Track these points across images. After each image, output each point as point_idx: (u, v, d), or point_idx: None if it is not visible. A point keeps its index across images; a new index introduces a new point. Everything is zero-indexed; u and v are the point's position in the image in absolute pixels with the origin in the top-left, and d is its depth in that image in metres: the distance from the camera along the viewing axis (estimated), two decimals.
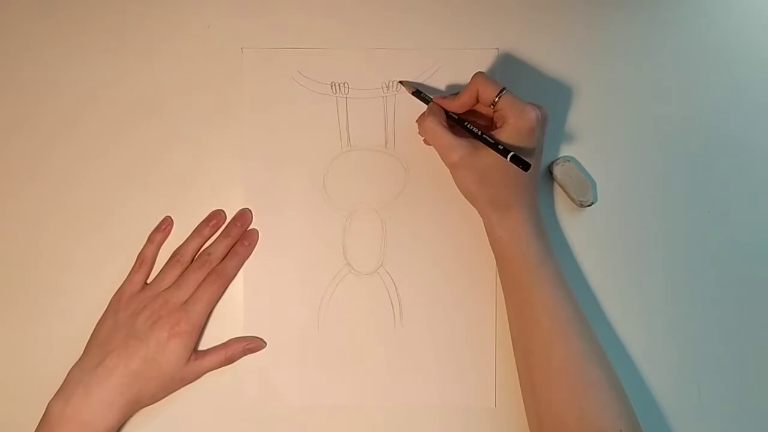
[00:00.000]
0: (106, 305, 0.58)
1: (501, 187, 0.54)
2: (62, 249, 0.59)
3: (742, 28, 0.61)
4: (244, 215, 0.59)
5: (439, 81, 0.60)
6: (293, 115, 0.60)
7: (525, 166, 0.50)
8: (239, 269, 0.59)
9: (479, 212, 0.56)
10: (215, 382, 0.58)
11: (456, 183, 0.55)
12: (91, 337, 0.57)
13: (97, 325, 0.57)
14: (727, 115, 0.60)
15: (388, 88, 0.60)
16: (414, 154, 0.60)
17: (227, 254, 0.59)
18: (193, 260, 0.58)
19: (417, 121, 0.56)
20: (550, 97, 0.60)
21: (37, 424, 0.54)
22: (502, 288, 0.56)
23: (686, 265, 0.59)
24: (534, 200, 0.55)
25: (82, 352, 0.56)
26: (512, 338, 0.56)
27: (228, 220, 0.59)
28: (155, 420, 0.58)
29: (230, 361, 0.58)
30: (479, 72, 0.54)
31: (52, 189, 0.59)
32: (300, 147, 0.60)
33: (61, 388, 0.54)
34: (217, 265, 0.58)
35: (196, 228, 0.59)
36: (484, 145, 0.52)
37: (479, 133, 0.53)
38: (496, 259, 0.56)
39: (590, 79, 0.60)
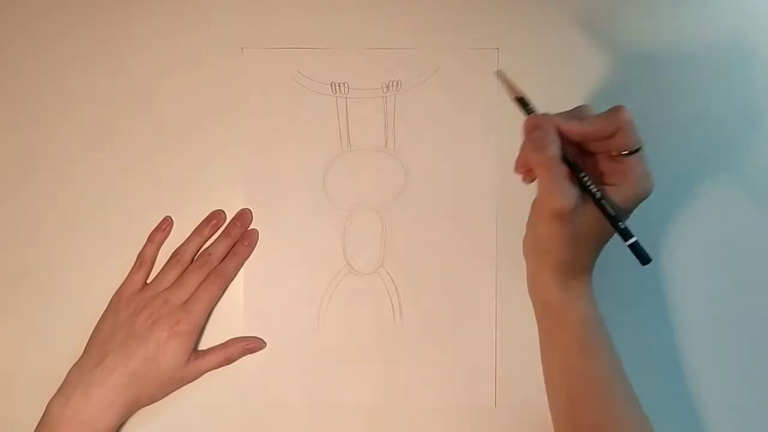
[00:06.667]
0: (106, 305, 0.58)
1: (586, 255, 0.48)
2: (62, 249, 0.59)
3: (744, 28, 0.61)
4: (244, 215, 0.59)
5: (439, 81, 0.59)
6: (293, 115, 0.60)
7: (644, 260, 0.44)
8: (239, 269, 0.59)
9: (533, 269, 0.50)
10: (215, 382, 0.58)
11: (533, 233, 0.49)
12: (90, 337, 0.57)
13: (97, 325, 0.57)
14: (728, 115, 0.60)
15: (388, 88, 0.60)
16: (414, 154, 0.60)
17: (227, 254, 0.59)
18: (193, 260, 0.58)
19: (525, 149, 0.47)
20: (550, 97, 0.59)
21: (36, 424, 0.54)
22: (542, 351, 0.51)
23: (686, 264, 0.59)
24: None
25: (82, 352, 0.56)
26: (552, 403, 0.51)
27: (228, 220, 0.59)
28: (155, 420, 0.58)
29: (230, 361, 0.58)
30: (628, 114, 0.45)
31: (52, 189, 0.59)
32: (300, 147, 0.60)
33: (60, 387, 0.54)
34: (217, 265, 0.58)
35: (196, 228, 0.59)
36: (589, 197, 0.45)
37: (598, 196, 0.45)
38: (543, 322, 0.51)
39: (590, 79, 0.60)
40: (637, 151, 0.45)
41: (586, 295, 0.49)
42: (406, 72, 0.60)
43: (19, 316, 0.59)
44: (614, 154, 0.46)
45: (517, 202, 0.55)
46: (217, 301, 0.58)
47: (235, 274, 0.59)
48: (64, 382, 0.55)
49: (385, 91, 0.60)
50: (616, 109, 0.45)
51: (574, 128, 0.46)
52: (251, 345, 0.58)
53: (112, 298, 0.58)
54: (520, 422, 0.57)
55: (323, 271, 0.59)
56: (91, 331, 0.57)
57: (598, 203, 0.45)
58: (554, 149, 0.45)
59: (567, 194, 0.45)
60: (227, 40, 0.60)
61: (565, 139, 0.46)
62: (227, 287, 0.59)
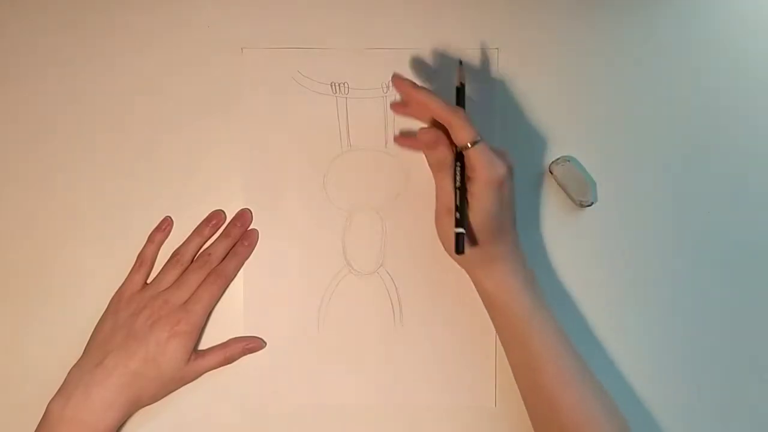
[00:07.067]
0: (106, 305, 0.58)
1: (485, 243, 0.52)
2: (62, 249, 0.59)
3: (745, 27, 0.61)
4: (244, 215, 0.59)
5: (440, 81, 0.59)
6: (293, 115, 0.60)
7: (458, 251, 0.50)
8: (239, 269, 0.59)
9: (463, 267, 0.55)
10: (215, 382, 0.58)
11: (440, 234, 0.54)
12: (91, 337, 0.57)
13: (97, 325, 0.57)
14: (728, 115, 0.60)
15: (388, 88, 0.60)
16: (414, 154, 0.59)
17: (227, 254, 0.59)
18: (193, 260, 0.58)
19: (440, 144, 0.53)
20: (550, 97, 0.60)
21: (37, 424, 0.54)
22: (501, 341, 0.56)
23: (686, 265, 0.59)
24: (518, 251, 0.55)
25: (82, 352, 0.56)
26: (519, 388, 0.55)
27: (228, 220, 0.59)
28: (155, 420, 0.58)
29: (230, 360, 0.58)
30: (461, 109, 0.52)
31: (52, 189, 0.59)
32: (300, 147, 0.60)
33: (61, 388, 0.54)
34: (217, 266, 0.58)
35: (196, 228, 0.59)
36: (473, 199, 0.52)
37: (458, 184, 0.52)
38: (486, 309, 0.55)
39: (590, 78, 0.60)
40: (477, 143, 0.51)
41: (511, 283, 0.53)
42: (406, 72, 0.60)
43: (19, 317, 0.59)
44: (460, 149, 0.52)
45: (517, 201, 0.55)
46: (217, 301, 0.58)
47: (235, 274, 0.59)
48: (64, 382, 0.55)
49: (385, 91, 0.60)
50: (456, 111, 0.51)
51: (416, 101, 0.53)
52: (251, 345, 0.58)
53: (112, 298, 0.58)
54: (520, 422, 0.57)
55: (323, 271, 0.59)
56: (91, 331, 0.57)
57: (454, 191, 0.52)
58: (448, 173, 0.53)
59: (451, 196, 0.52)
60: (227, 40, 0.60)
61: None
62: (227, 287, 0.59)
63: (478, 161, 0.51)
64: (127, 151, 0.59)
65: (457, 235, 0.51)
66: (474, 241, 0.52)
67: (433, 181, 0.55)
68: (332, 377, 0.59)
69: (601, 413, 0.52)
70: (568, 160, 0.59)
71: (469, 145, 0.51)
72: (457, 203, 0.51)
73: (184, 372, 0.56)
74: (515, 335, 0.54)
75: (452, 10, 0.60)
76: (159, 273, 0.58)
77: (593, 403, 0.52)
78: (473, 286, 0.57)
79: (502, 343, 0.55)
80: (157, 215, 0.59)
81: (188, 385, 0.57)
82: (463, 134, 0.51)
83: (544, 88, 0.60)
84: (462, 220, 0.51)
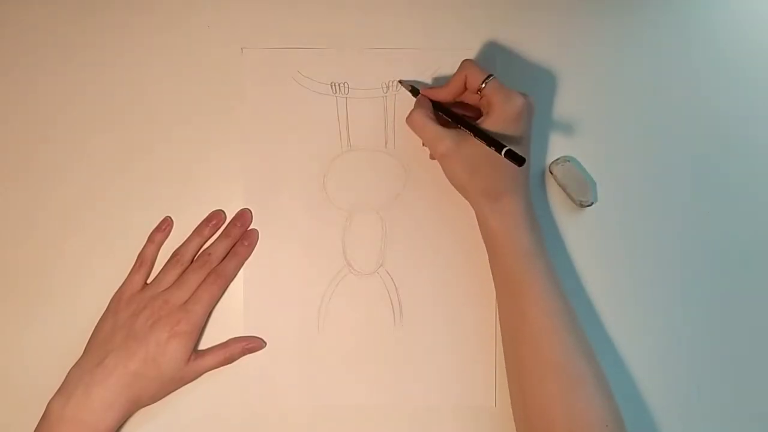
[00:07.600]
0: (106, 305, 0.58)
1: (492, 176, 0.53)
2: (62, 249, 0.59)
3: (744, 26, 0.61)
4: (244, 215, 0.59)
5: (439, 81, 0.59)
6: (293, 115, 0.60)
7: (519, 162, 0.50)
8: (239, 269, 0.59)
9: (471, 203, 0.56)
10: (215, 382, 0.58)
11: (446, 175, 0.55)
12: (91, 337, 0.57)
13: (97, 325, 0.57)
14: (728, 115, 0.60)
15: (388, 88, 0.60)
16: (414, 154, 0.60)
17: (227, 254, 0.59)
18: (193, 260, 0.58)
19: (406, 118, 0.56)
20: (551, 97, 0.60)
21: (37, 424, 0.54)
22: (493, 279, 0.56)
23: (686, 265, 0.59)
24: (526, 189, 0.55)
25: (82, 352, 0.56)
26: (501, 330, 0.55)
27: (228, 220, 0.59)
28: (155, 420, 0.58)
29: (230, 360, 0.58)
30: (467, 59, 0.55)
31: (51, 189, 0.59)
32: (300, 147, 0.60)
33: (61, 387, 0.54)
34: (217, 266, 0.58)
35: (196, 228, 0.59)
36: (471, 134, 0.52)
37: (471, 125, 0.53)
38: (487, 250, 0.56)
39: (591, 78, 0.60)
40: (488, 80, 0.53)
41: (517, 221, 0.54)
42: (406, 72, 0.60)
43: (18, 317, 0.59)
44: (477, 93, 0.54)
45: None
46: (217, 301, 0.58)
47: (235, 274, 0.59)
48: (64, 382, 0.55)
49: (385, 91, 0.60)
50: (462, 63, 0.55)
51: (439, 92, 0.56)
52: (251, 345, 0.58)
53: (112, 298, 0.58)
54: None
55: (323, 271, 0.59)
56: (91, 331, 0.57)
57: (476, 132, 0.52)
58: (417, 112, 0.54)
59: (442, 138, 0.53)
60: (227, 40, 0.60)
61: (455, 105, 0.57)
62: (227, 287, 0.59)
63: (494, 96, 0.53)
64: (128, 151, 0.59)
65: (507, 152, 0.50)
66: (522, 161, 0.51)
67: (434, 181, 0.56)
68: (332, 377, 0.59)
69: (583, 361, 0.52)
70: (568, 160, 0.59)
71: (483, 85, 0.53)
72: (484, 134, 0.52)
73: (184, 372, 0.56)
74: (510, 275, 0.54)
75: (452, 10, 0.60)
76: (159, 273, 0.58)
77: (577, 351, 0.52)
78: (472, 286, 0.57)
79: (494, 281, 0.55)
80: (157, 215, 0.59)
81: (188, 385, 0.57)
82: (474, 76, 0.53)
83: (545, 87, 0.60)
84: (494, 140, 0.51)
